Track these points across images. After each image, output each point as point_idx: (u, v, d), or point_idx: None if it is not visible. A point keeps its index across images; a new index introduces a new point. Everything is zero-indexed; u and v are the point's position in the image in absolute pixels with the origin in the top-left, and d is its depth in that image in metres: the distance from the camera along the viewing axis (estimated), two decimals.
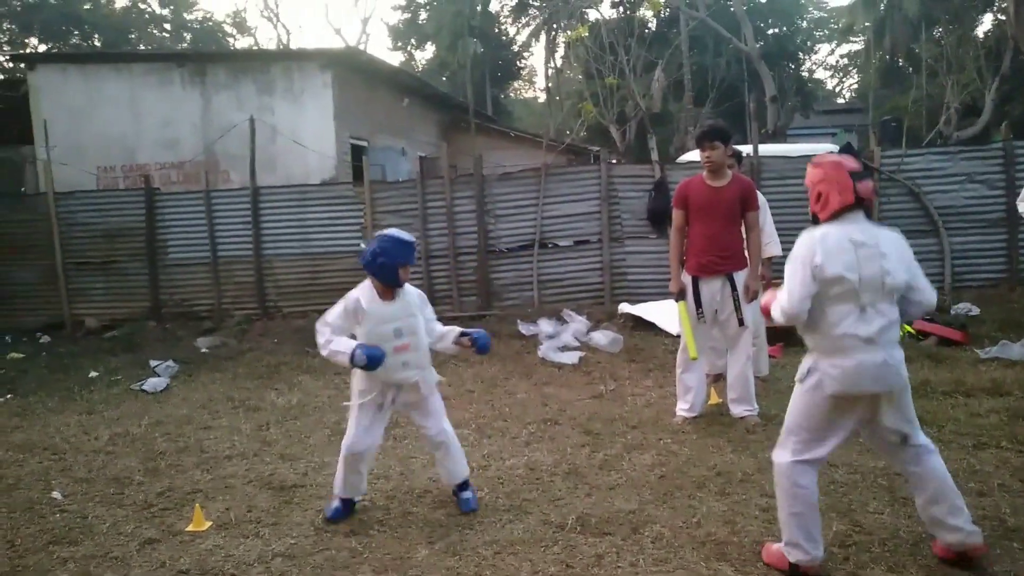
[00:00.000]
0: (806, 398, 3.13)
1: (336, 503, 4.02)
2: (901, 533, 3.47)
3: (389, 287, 3.87)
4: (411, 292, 3.98)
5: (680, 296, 5.26)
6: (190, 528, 3.93)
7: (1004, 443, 4.51)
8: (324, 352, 3.86)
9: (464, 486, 4.06)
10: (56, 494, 4.54)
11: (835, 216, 3.11)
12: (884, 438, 3.17)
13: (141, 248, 10.29)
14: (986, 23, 26.49)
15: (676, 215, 5.28)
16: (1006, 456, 4.33)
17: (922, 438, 3.18)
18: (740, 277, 5.14)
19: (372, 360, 3.73)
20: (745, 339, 5.19)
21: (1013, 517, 3.56)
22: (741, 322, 5.13)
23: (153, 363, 8.04)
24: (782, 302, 3.10)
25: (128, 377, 7.68)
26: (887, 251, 3.05)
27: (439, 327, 4.09)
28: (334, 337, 3.85)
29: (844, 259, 2.99)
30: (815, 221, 3.20)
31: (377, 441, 4.05)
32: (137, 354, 8.76)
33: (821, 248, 3.02)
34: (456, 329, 4.07)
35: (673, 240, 5.31)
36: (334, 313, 3.90)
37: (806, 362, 3.16)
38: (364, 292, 3.90)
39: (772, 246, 5.99)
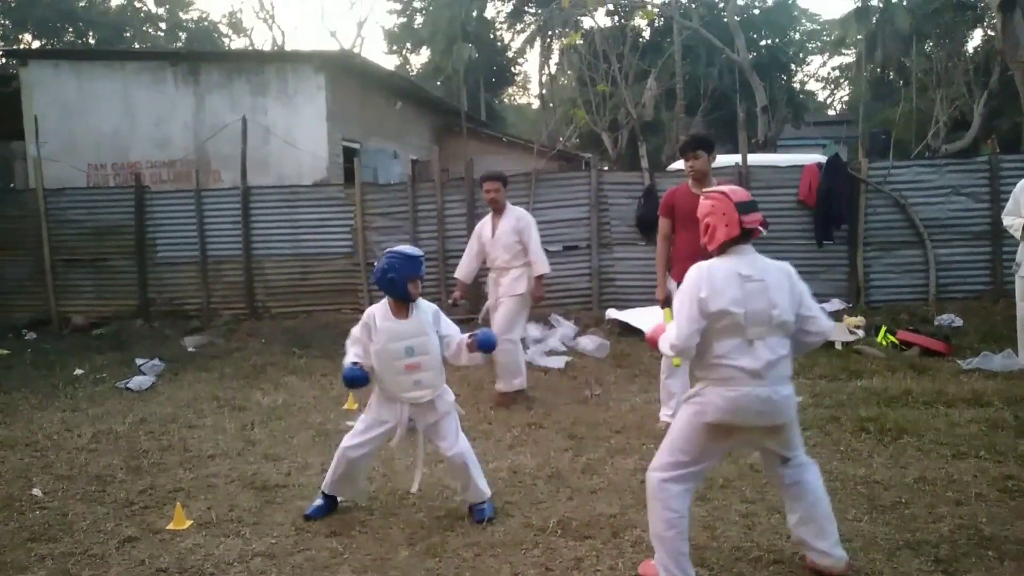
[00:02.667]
0: (688, 422, 3.11)
1: (319, 500, 4.04)
2: (879, 541, 3.50)
3: (401, 303, 3.88)
4: (426, 309, 3.97)
5: (666, 303, 5.28)
6: (171, 527, 3.92)
7: (983, 453, 4.56)
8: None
9: (477, 504, 3.98)
10: (36, 491, 4.51)
11: (723, 248, 3.11)
12: (766, 456, 3.25)
13: (130, 246, 10.26)
14: (976, 39, 26.75)
15: (662, 223, 5.33)
16: (984, 466, 4.37)
17: (802, 457, 3.21)
18: None
19: (346, 381, 3.87)
20: None
21: (989, 526, 3.59)
22: None
23: (139, 361, 8.02)
24: (670, 336, 3.07)
25: (113, 375, 7.66)
26: (773, 284, 3.06)
27: (456, 340, 4.00)
28: (350, 348, 3.95)
29: (730, 293, 2.98)
30: (706, 254, 3.21)
31: (370, 450, 4.02)
32: (123, 352, 8.73)
33: (707, 283, 3.01)
34: (464, 336, 4.01)
35: (659, 248, 5.36)
36: (357, 326, 3.98)
37: (697, 386, 3.15)
38: (379, 309, 3.93)
39: (540, 264, 6.16)
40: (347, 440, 3.99)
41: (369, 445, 3.98)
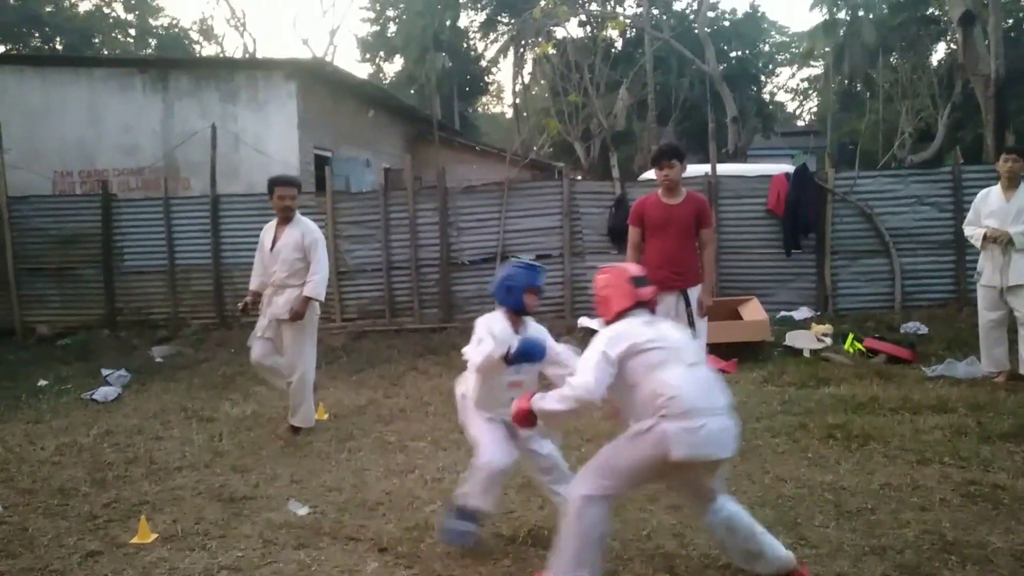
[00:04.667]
0: (639, 455, 3.00)
1: (463, 524, 3.66)
2: (846, 547, 3.53)
3: (517, 315, 3.74)
4: (536, 327, 3.81)
5: None
6: (135, 540, 3.85)
7: (947, 459, 4.63)
8: (476, 360, 3.59)
9: None
10: None
11: (618, 317, 3.24)
12: (699, 493, 3.19)
13: (97, 255, 10.11)
14: (939, 52, 27.38)
15: (632, 232, 5.37)
16: (948, 472, 4.44)
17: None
18: (694, 292, 5.23)
19: (526, 351, 3.53)
20: None
21: (953, 531, 3.64)
22: (694, 337, 5.21)
23: (105, 372, 7.88)
24: (577, 390, 2.98)
25: (79, 386, 7.52)
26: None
27: (566, 359, 3.62)
28: (485, 340, 3.59)
29: (646, 333, 3.10)
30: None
31: (515, 456, 3.77)
32: (89, 363, 8.58)
33: (621, 334, 3.08)
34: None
35: (629, 257, 5.39)
36: (480, 334, 3.62)
37: (646, 423, 2.97)
38: (498, 321, 3.73)
39: (314, 287, 5.61)
40: (485, 455, 3.67)
41: (510, 449, 3.72)
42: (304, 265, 5.65)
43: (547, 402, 3.12)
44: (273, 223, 5.84)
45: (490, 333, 3.64)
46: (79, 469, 5.06)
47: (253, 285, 5.95)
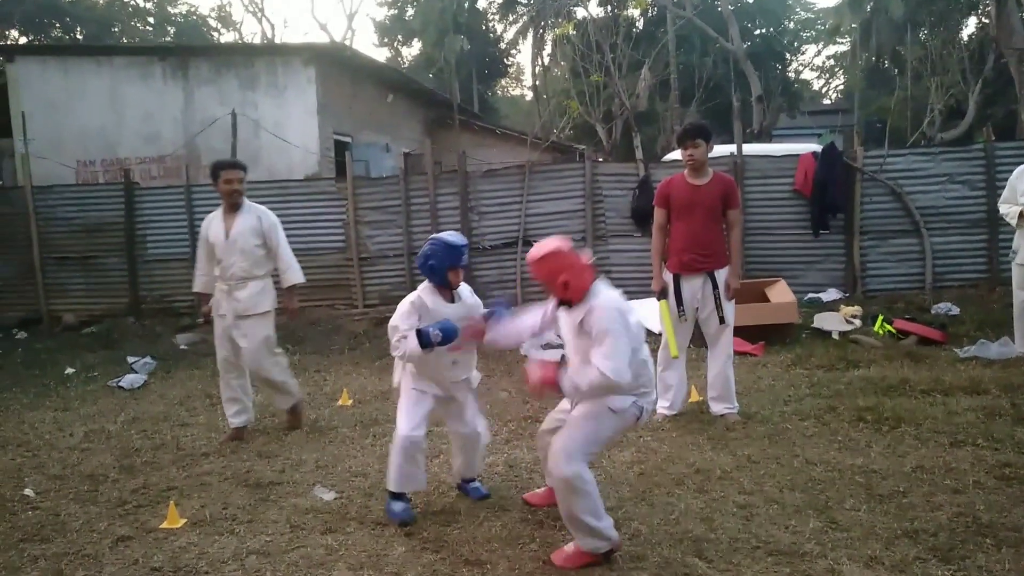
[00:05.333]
0: (623, 426, 3.41)
1: (397, 505, 3.87)
2: (878, 530, 3.47)
3: (444, 288, 3.88)
4: (467, 294, 3.98)
5: (662, 294, 5.26)
6: (164, 525, 3.88)
7: (980, 441, 4.53)
8: (396, 353, 3.81)
9: (471, 479, 4.13)
10: (28, 491, 4.47)
11: (586, 291, 3.27)
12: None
13: (120, 243, 10.19)
14: (970, 26, 26.74)
15: (658, 213, 5.29)
16: (982, 454, 4.35)
17: None
18: (721, 275, 5.14)
19: (447, 333, 3.68)
20: (726, 337, 5.20)
21: (987, 514, 3.57)
22: (722, 320, 5.14)
23: (131, 359, 7.96)
24: (611, 371, 3.10)
25: (105, 373, 7.60)
26: None
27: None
28: (405, 323, 3.79)
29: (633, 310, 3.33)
30: (564, 303, 3.37)
31: (424, 430, 3.95)
32: (115, 350, 8.68)
33: (631, 322, 3.25)
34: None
35: (655, 239, 5.32)
36: (400, 314, 3.82)
37: (627, 399, 3.30)
38: (426, 293, 3.88)
39: (293, 273, 5.38)
40: (404, 427, 3.85)
41: (426, 421, 3.93)
42: (265, 252, 5.32)
43: (581, 382, 3.19)
44: (217, 213, 5.35)
45: (406, 318, 3.79)
46: (108, 455, 5.11)
47: (199, 286, 5.50)
